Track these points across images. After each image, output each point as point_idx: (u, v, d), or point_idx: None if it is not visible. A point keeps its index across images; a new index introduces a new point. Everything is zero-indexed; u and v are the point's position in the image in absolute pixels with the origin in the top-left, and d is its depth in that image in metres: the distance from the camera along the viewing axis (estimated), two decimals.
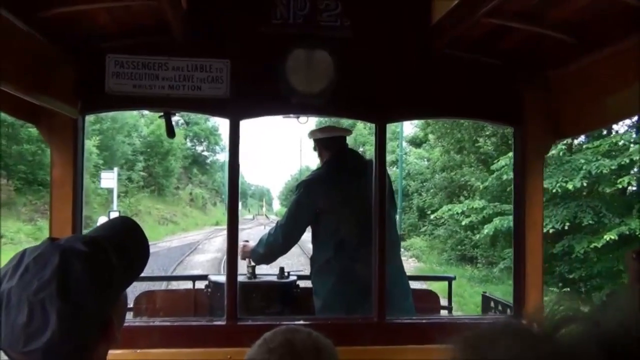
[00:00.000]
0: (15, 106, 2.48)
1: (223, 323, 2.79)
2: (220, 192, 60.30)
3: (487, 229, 15.37)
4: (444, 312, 4.57)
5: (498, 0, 2.12)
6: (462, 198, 21.08)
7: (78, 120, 2.73)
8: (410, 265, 20.62)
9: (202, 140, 58.29)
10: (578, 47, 2.44)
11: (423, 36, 2.86)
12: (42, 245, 1.18)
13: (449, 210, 18.40)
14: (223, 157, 57.31)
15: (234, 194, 2.85)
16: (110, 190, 29.29)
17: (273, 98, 2.84)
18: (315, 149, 3.78)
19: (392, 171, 31.57)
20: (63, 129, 2.71)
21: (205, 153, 60.38)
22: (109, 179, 27.62)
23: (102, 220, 18.12)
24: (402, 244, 26.41)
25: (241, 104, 2.80)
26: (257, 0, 2.81)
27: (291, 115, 3.42)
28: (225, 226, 2.93)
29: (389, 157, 32.47)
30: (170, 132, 3.11)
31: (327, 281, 3.55)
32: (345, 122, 16.13)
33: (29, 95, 2.28)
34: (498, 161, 15.51)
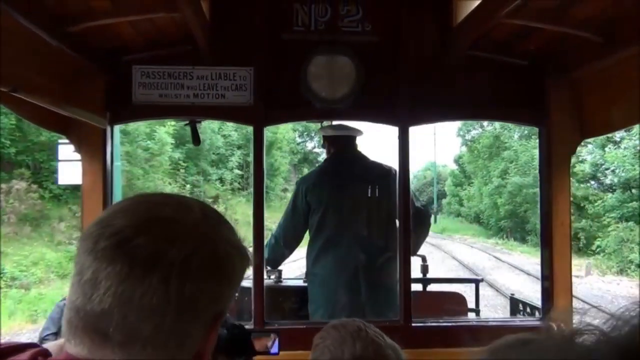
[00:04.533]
0: (46, 118, 2.56)
1: (250, 327, 2.82)
2: None
3: None
4: (471, 315, 4.53)
5: (519, 1, 2.11)
6: None
7: (107, 130, 2.80)
8: None
9: (313, 135, 47.74)
10: (604, 46, 2.41)
11: (445, 38, 2.85)
12: None
13: None
14: None
15: (259, 200, 2.87)
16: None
17: (296, 104, 2.87)
18: (323, 145, 3.74)
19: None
20: (92, 139, 2.78)
21: (317, 150, 48.76)
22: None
23: None
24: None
25: (265, 110, 2.83)
26: (278, 8, 2.84)
27: (314, 120, 3.44)
28: None
29: None
30: (196, 140, 3.16)
31: (314, 280, 3.46)
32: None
33: (59, 108, 2.35)
34: None
